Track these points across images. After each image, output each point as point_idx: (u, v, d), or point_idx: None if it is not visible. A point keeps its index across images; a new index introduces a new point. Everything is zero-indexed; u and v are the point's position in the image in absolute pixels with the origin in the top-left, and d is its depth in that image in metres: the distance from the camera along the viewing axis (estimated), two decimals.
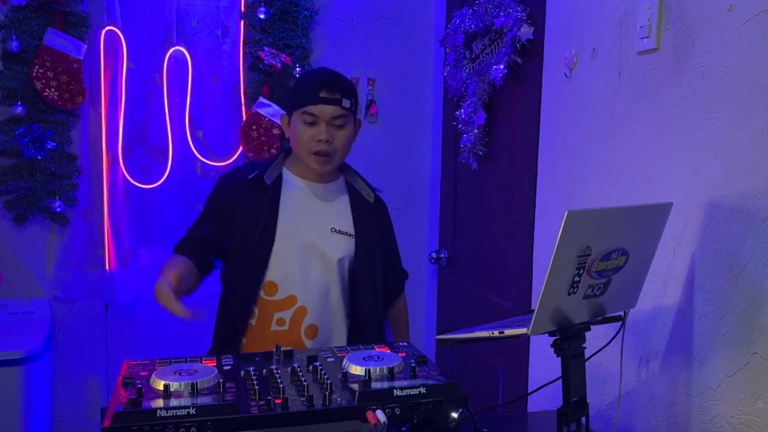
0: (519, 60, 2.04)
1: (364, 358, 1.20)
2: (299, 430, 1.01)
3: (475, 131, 2.26)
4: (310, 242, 1.64)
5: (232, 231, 1.66)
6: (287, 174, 1.70)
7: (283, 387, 1.06)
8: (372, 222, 1.73)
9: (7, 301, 2.44)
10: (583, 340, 1.23)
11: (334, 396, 1.05)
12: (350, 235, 1.68)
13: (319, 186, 1.70)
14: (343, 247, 1.66)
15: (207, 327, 2.84)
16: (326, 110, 1.59)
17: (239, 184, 1.68)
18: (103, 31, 2.48)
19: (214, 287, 1.76)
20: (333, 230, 1.66)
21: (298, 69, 2.66)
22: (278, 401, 1.03)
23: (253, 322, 1.64)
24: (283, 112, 2.65)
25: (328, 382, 1.07)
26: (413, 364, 1.16)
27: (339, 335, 1.68)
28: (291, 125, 1.65)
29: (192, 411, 0.98)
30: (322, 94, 1.59)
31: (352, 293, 1.68)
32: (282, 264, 1.63)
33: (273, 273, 1.63)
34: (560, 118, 1.88)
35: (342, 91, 1.61)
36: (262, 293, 1.63)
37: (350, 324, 1.69)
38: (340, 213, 1.69)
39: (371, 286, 1.70)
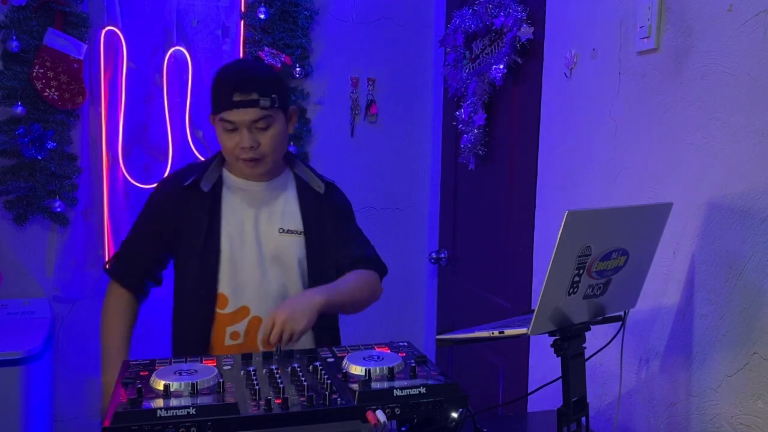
0: (519, 60, 2.04)
1: (364, 358, 1.20)
2: (299, 430, 1.01)
3: (475, 131, 2.26)
4: (259, 247, 1.53)
5: (174, 243, 1.55)
6: (227, 176, 1.57)
7: (283, 387, 1.06)
8: (323, 214, 1.58)
9: (7, 301, 2.44)
10: (583, 340, 1.23)
11: (334, 396, 1.05)
12: (300, 233, 1.55)
13: (263, 185, 1.56)
14: (295, 248, 1.55)
15: None
16: (244, 114, 1.43)
17: (177, 192, 1.55)
18: (103, 31, 2.48)
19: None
20: (281, 231, 1.55)
21: (298, 69, 2.66)
22: (278, 401, 1.03)
23: (210, 337, 1.54)
24: None
25: (328, 382, 1.07)
26: (413, 364, 1.16)
27: (303, 341, 1.51)
28: (215, 128, 1.52)
29: (192, 411, 0.98)
30: (236, 98, 1.42)
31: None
32: (232, 274, 1.52)
33: (223, 285, 1.52)
34: (560, 118, 1.88)
35: (259, 89, 1.43)
36: (215, 307, 1.53)
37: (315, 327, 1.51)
38: (287, 211, 1.57)
39: (321, 282, 1.54)
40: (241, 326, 1.54)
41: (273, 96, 1.46)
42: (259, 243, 1.54)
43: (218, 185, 1.56)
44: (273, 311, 1.32)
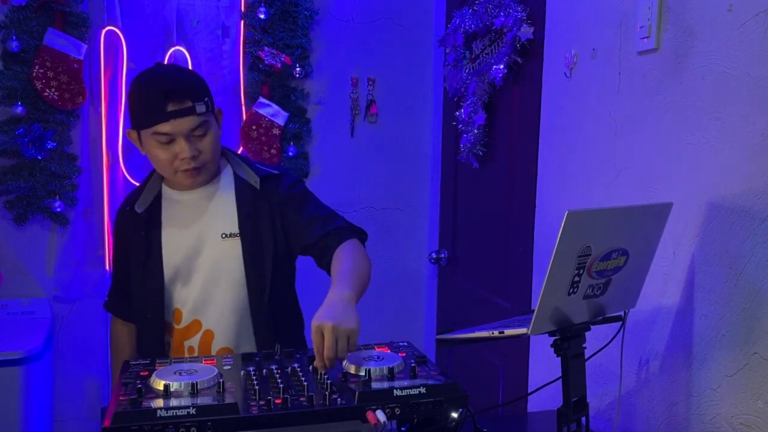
0: (519, 60, 2.04)
1: (364, 358, 1.20)
2: (299, 430, 1.01)
3: (475, 131, 2.26)
4: (203, 257, 1.48)
5: (126, 267, 1.53)
6: (166, 190, 1.52)
7: (283, 387, 1.06)
8: (261, 211, 1.49)
9: (7, 301, 2.44)
10: (583, 340, 1.23)
11: (334, 396, 1.05)
12: (236, 235, 1.48)
13: (199, 191, 1.49)
14: (236, 251, 1.47)
15: None
16: (180, 124, 1.35)
17: (122, 219, 1.55)
18: (103, 31, 2.48)
19: None
20: (224, 236, 1.48)
21: (298, 69, 2.66)
22: (278, 401, 1.03)
23: (169, 353, 1.52)
24: (284, 112, 2.66)
25: (328, 382, 1.07)
26: (413, 364, 1.16)
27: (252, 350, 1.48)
28: (143, 144, 1.41)
29: (192, 411, 0.98)
30: (171, 108, 1.33)
31: (251, 300, 1.48)
32: (182, 287, 1.49)
33: (177, 299, 1.50)
34: (560, 118, 1.88)
35: (192, 96, 1.35)
36: (173, 323, 1.50)
37: (256, 336, 1.49)
38: (226, 213, 1.49)
39: (260, 285, 1.48)
40: (194, 341, 1.50)
41: (206, 99, 1.39)
42: (203, 254, 1.48)
43: (156, 203, 1.50)
44: (315, 324, 1.15)
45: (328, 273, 1.44)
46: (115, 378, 1.51)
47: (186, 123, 1.35)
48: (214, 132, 1.42)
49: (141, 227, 1.49)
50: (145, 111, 1.36)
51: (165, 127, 1.34)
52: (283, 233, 1.50)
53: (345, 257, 1.40)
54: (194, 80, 1.41)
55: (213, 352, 1.49)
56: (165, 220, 1.49)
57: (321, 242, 1.46)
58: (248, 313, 1.49)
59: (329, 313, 1.17)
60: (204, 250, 1.48)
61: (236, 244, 1.47)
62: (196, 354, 1.49)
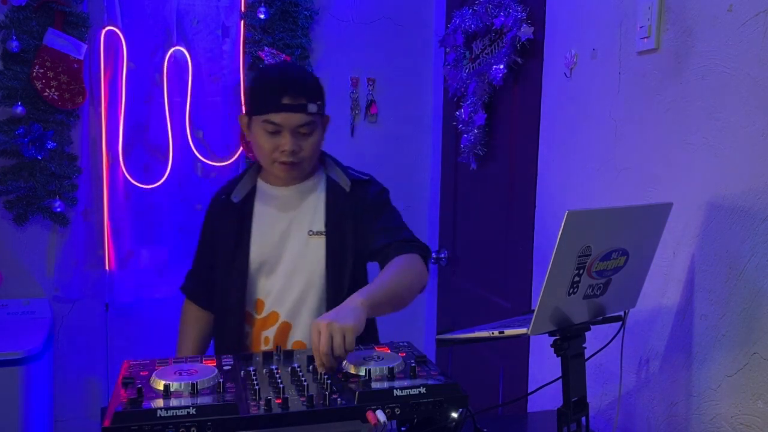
0: (519, 60, 2.04)
1: (364, 358, 1.20)
2: (299, 430, 1.01)
3: (475, 131, 2.26)
4: (290, 252, 1.53)
5: (212, 256, 1.59)
6: (261, 184, 1.59)
7: (283, 387, 1.06)
8: (347, 213, 1.54)
9: (7, 301, 2.44)
10: (583, 340, 1.23)
11: (334, 396, 1.05)
12: (322, 233, 1.53)
13: (293, 188, 1.56)
14: (320, 249, 1.52)
15: None
16: (290, 119, 1.43)
17: (216, 206, 1.61)
18: (103, 31, 2.48)
19: None
20: (311, 233, 1.53)
21: None
22: (278, 401, 1.03)
23: (247, 343, 1.55)
24: None
25: (328, 382, 1.07)
26: (413, 364, 1.16)
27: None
28: (251, 130, 1.50)
29: (192, 411, 0.98)
30: (286, 101, 1.42)
31: (329, 296, 1.51)
32: (266, 279, 1.53)
33: (260, 290, 1.54)
34: (560, 118, 1.88)
35: (307, 95, 1.44)
36: (254, 313, 1.55)
37: None
38: (316, 212, 1.55)
39: (339, 285, 1.52)
40: (271, 332, 1.54)
41: (318, 103, 1.47)
42: (289, 248, 1.53)
43: (250, 195, 1.56)
44: (313, 323, 1.20)
45: None
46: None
47: (295, 118, 1.43)
48: (318, 134, 1.50)
49: (234, 216, 1.54)
50: (262, 99, 1.45)
51: (276, 118, 1.42)
52: (361, 236, 1.55)
53: (389, 268, 1.44)
54: (312, 82, 1.49)
55: (289, 345, 1.52)
56: (257, 213, 1.54)
57: (383, 250, 1.51)
58: (325, 311, 1.50)
59: (330, 314, 1.23)
60: (290, 244, 1.53)
61: (321, 241, 1.52)
62: (270, 345, 1.51)
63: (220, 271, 1.58)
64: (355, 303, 1.26)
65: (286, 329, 1.53)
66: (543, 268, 1.94)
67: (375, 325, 1.65)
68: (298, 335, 1.53)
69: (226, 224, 1.55)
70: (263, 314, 1.54)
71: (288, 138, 1.44)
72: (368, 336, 1.58)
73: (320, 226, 1.53)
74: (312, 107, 1.44)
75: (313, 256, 1.53)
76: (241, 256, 1.53)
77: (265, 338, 1.54)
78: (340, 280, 1.52)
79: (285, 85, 1.43)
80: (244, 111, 1.54)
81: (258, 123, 1.46)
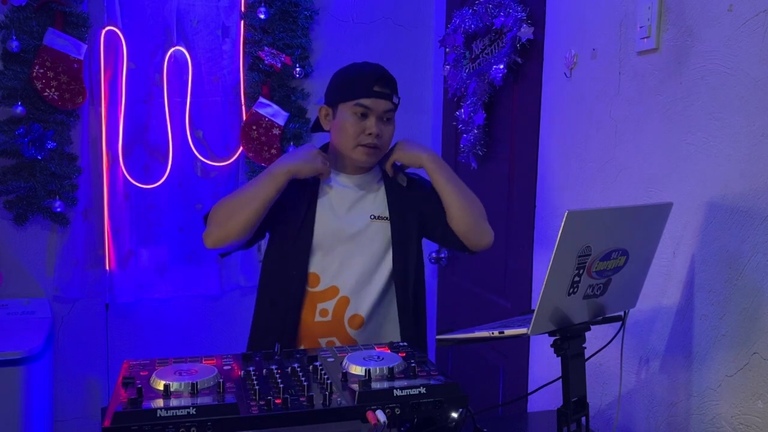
0: (519, 60, 2.04)
1: (364, 358, 1.20)
2: (299, 430, 1.01)
3: (475, 131, 2.26)
4: (350, 232, 1.64)
5: (274, 225, 1.67)
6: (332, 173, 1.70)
7: (283, 387, 1.06)
8: (408, 204, 1.68)
9: (7, 301, 2.44)
10: (583, 340, 1.23)
11: (334, 396, 1.05)
12: (386, 218, 1.66)
13: (357, 177, 1.69)
14: (383, 233, 1.65)
15: (208, 326, 2.85)
16: (379, 104, 1.60)
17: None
18: (103, 31, 2.48)
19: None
20: (372, 217, 1.65)
21: (298, 69, 2.67)
22: (278, 401, 1.03)
23: (300, 313, 1.63)
24: (284, 112, 2.66)
25: (328, 382, 1.07)
26: (413, 364, 1.16)
27: (390, 324, 1.66)
28: (337, 117, 1.64)
29: (192, 411, 0.98)
30: (376, 88, 1.60)
31: (397, 279, 1.65)
32: (323, 256, 1.63)
33: (315, 265, 1.64)
34: (560, 118, 1.88)
35: (392, 87, 1.64)
36: (306, 285, 1.64)
37: (399, 312, 1.66)
38: (377, 199, 1.68)
39: (405, 271, 1.65)
40: (329, 304, 1.63)
41: (398, 97, 1.66)
42: (350, 229, 1.64)
43: (317, 178, 1.68)
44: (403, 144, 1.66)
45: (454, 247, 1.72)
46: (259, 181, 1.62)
47: (383, 104, 1.61)
48: (394, 126, 1.68)
49: (305, 191, 1.65)
50: (355, 85, 1.61)
51: (367, 102, 1.59)
52: (424, 223, 1.70)
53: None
54: (395, 80, 1.68)
55: (346, 318, 1.63)
56: (322, 192, 1.67)
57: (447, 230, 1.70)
58: (391, 288, 1.66)
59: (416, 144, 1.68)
60: (351, 226, 1.65)
61: (385, 225, 1.66)
62: (329, 316, 1.63)
63: (276, 244, 1.67)
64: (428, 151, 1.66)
65: (344, 303, 1.63)
66: (543, 268, 1.94)
67: (425, 320, 1.76)
68: (355, 309, 1.64)
69: (297, 198, 1.65)
70: (318, 288, 1.64)
71: (374, 121, 1.60)
72: (415, 331, 1.69)
73: (383, 212, 1.67)
74: (395, 98, 1.64)
75: (376, 236, 1.65)
76: (305, 232, 1.63)
77: (323, 310, 1.63)
78: (405, 260, 1.66)
79: (377, 74, 1.62)
80: (324, 103, 1.69)
81: (347, 108, 1.61)
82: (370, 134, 1.60)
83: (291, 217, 1.64)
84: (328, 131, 1.68)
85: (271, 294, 1.68)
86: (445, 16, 2.71)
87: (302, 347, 1.62)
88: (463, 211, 1.65)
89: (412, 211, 1.68)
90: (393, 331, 1.65)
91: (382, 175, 1.72)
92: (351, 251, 1.64)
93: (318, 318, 1.62)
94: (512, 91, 2.15)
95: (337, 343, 1.61)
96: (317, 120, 1.72)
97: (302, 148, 1.64)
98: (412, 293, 1.68)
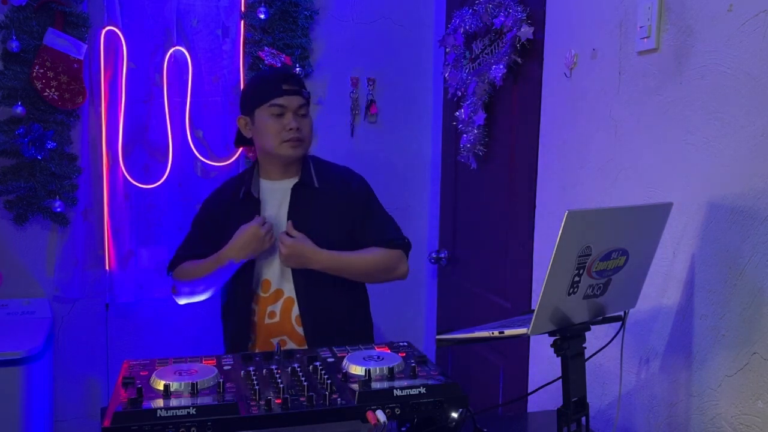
0: (519, 60, 2.04)
1: (364, 358, 1.20)
2: (299, 430, 1.01)
3: (475, 131, 2.26)
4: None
5: (222, 244, 1.75)
6: (262, 182, 1.81)
7: (283, 387, 1.06)
8: (311, 208, 1.77)
9: (7, 301, 2.44)
10: (583, 340, 1.23)
11: (334, 396, 1.05)
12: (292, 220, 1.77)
13: (284, 182, 1.79)
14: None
15: (207, 326, 2.85)
16: (292, 100, 1.72)
17: (225, 203, 1.83)
18: (103, 31, 2.48)
19: None
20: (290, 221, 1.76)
21: (298, 69, 2.66)
22: (278, 401, 1.03)
23: (255, 319, 1.77)
24: None
25: (328, 382, 1.07)
26: (413, 364, 1.16)
27: (322, 322, 1.76)
28: (256, 123, 1.76)
29: (192, 411, 0.98)
30: (285, 87, 1.72)
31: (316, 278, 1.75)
32: (270, 263, 1.76)
33: (266, 272, 1.77)
34: (560, 118, 1.88)
35: (299, 83, 1.76)
36: (260, 292, 1.77)
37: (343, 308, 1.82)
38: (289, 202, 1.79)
39: (307, 273, 1.74)
40: (276, 306, 1.76)
41: (308, 92, 1.80)
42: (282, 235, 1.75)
43: (257, 190, 1.79)
44: (282, 239, 1.69)
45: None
46: (215, 259, 1.76)
47: (295, 100, 1.73)
48: (311, 119, 1.80)
49: (251, 210, 1.76)
50: (266, 89, 1.74)
51: (280, 100, 1.72)
52: (341, 230, 1.80)
53: (366, 249, 1.79)
54: (298, 75, 1.86)
55: (293, 317, 1.76)
56: (263, 206, 1.78)
57: (364, 242, 1.82)
58: (336, 285, 1.77)
59: (304, 243, 1.71)
60: (277, 229, 1.76)
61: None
62: (277, 318, 1.76)
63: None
64: (320, 256, 1.71)
65: (290, 304, 1.76)
66: (543, 268, 1.94)
67: (371, 322, 1.92)
68: (298, 310, 1.75)
69: (247, 216, 1.74)
70: (269, 293, 1.77)
71: (291, 117, 1.72)
72: (363, 334, 1.85)
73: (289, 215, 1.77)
74: (305, 93, 1.77)
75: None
76: None
77: (271, 312, 1.76)
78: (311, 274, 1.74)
79: (281, 75, 1.76)
80: (240, 114, 1.83)
81: (263, 111, 1.73)
82: (290, 129, 1.71)
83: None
84: (250, 139, 1.80)
85: (233, 304, 1.80)
86: (445, 16, 2.71)
87: (257, 349, 1.76)
88: (366, 280, 1.84)
89: (315, 215, 1.77)
90: (341, 327, 1.76)
91: (298, 179, 1.79)
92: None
93: (267, 320, 1.76)
94: (512, 91, 2.15)
95: (289, 342, 1.75)
96: (238, 132, 1.85)
97: (245, 234, 1.70)
98: (348, 287, 1.78)
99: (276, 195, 1.79)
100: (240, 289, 1.77)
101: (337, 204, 1.80)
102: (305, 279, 1.74)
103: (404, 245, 1.85)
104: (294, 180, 1.80)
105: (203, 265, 1.76)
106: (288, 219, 1.75)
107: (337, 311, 1.78)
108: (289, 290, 1.76)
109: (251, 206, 1.78)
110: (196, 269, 1.79)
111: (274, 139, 1.73)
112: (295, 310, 1.75)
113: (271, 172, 1.81)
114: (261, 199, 1.78)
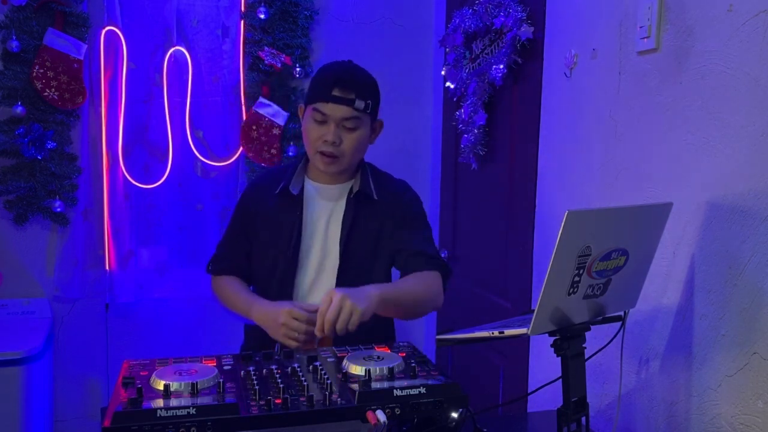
0: (519, 60, 2.04)
1: (364, 358, 1.20)
2: (299, 430, 1.01)
3: (475, 131, 2.26)
4: (322, 247, 1.59)
5: (258, 241, 1.62)
6: (307, 182, 1.63)
7: (283, 387, 1.06)
8: (368, 223, 1.60)
9: (8, 301, 2.44)
10: (583, 340, 1.23)
11: (334, 396, 1.05)
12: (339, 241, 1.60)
13: (334, 188, 1.62)
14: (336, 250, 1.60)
15: (208, 326, 2.85)
16: (337, 110, 1.48)
17: (265, 197, 1.63)
18: (103, 31, 2.48)
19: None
20: (333, 230, 1.60)
21: (298, 69, 2.67)
22: (278, 401, 1.03)
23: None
24: (284, 112, 2.66)
25: (328, 382, 1.07)
26: (413, 364, 1.16)
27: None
28: (304, 119, 1.57)
29: (192, 411, 0.98)
30: (335, 93, 1.48)
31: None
32: (303, 269, 1.59)
33: (299, 278, 1.60)
34: (560, 118, 1.88)
35: (357, 90, 1.50)
36: (293, 296, 1.61)
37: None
38: (338, 214, 1.61)
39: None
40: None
41: (368, 101, 1.52)
42: (325, 241, 1.59)
43: (302, 189, 1.61)
44: (330, 290, 1.32)
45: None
46: (248, 305, 1.55)
47: (342, 111, 1.48)
48: (362, 133, 1.54)
49: (294, 207, 1.58)
50: (316, 88, 1.52)
51: (324, 107, 1.48)
52: (385, 245, 1.61)
53: (409, 277, 1.56)
54: (367, 81, 1.55)
55: None
56: (305, 206, 1.59)
57: (407, 262, 1.60)
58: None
59: (345, 289, 1.33)
60: (328, 239, 1.59)
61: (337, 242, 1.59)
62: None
63: (271, 259, 1.60)
64: (369, 291, 1.36)
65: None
66: (543, 268, 1.94)
67: (393, 325, 1.70)
68: None
69: (285, 214, 1.58)
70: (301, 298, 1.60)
71: (332, 129, 1.49)
72: (384, 334, 1.64)
73: (338, 228, 1.59)
74: (359, 103, 1.50)
75: (333, 256, 1.59)
76: (295, 245, 1.57)
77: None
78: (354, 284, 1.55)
79: (338, 77, 1.49)
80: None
81: (309, 112, 1.52)
82: (326, 141, 1.49)
83: (284, 235, 1.58)
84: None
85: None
86: (445, 16, 2.71)
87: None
88: (415, 314, 1.57)
89: (370, 227, 1.59)
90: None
91: (351, 189, 1.61)
92: (323, 266, 1.58)
93: None
94: (512, 91, 2.15)
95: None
96: None
97: (273, 314, 1.43)
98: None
99: (324, 201, 1.60)
100: (276, 292, 1.59)
101: (392, 220, 1.62)
102: (327, 287, 1.54)
103: (444, 266, 1.62)
104: (345, 186, 1.60)
105: (235, 301, 1.61)
106: (342, 233, 1.55)
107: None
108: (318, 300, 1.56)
109: (290, 204, 1.59)
110: (229, 297, 1.63)
111: (311, 146, 1.54)
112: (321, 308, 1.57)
113: (318, 172, 1.60)
114: (304, 198, 1.60)
